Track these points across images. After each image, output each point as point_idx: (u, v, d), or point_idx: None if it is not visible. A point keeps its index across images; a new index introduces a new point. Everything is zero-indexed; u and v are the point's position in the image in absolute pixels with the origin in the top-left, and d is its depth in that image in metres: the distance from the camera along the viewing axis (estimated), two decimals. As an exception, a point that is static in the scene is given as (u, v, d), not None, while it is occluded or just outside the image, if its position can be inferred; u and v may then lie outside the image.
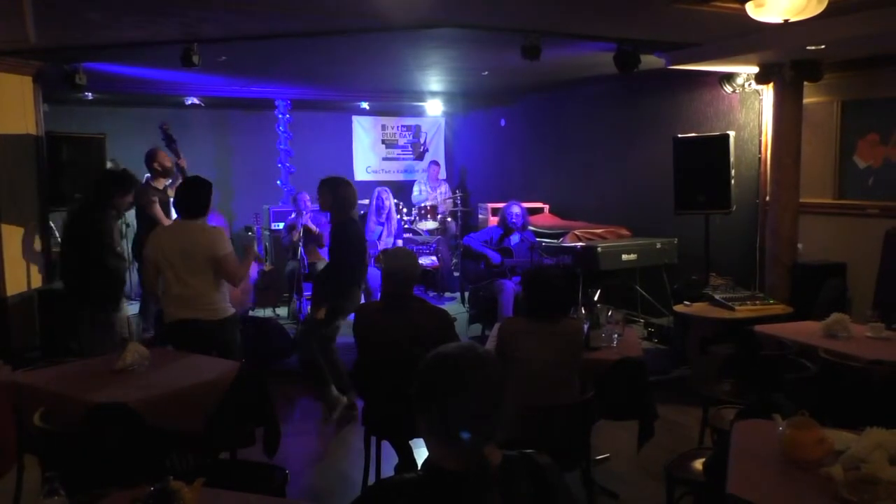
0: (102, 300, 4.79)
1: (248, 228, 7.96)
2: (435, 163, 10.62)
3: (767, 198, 6.14)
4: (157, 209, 6.23)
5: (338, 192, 4.90)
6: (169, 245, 4.10)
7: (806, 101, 5.87)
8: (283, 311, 7.85)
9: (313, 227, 7.36)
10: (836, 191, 5.97)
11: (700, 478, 2.93)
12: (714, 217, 6.23)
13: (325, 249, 6.89)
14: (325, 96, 9.84)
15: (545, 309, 3.47)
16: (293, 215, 7.85)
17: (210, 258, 4.07)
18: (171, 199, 6.52)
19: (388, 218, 7.58)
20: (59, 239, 5.85)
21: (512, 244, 6.75)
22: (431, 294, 8.48)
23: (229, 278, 4.18)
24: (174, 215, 6.53)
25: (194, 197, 4.18)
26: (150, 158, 6.44)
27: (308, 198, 7.82)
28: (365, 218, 7.52)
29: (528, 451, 1.65)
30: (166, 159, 6.39)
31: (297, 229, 7.41)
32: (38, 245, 6.05)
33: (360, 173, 11.12)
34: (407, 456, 3.77)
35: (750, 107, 6.58)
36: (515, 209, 6.78)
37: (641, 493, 3.96)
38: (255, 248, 4.76)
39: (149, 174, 6.55)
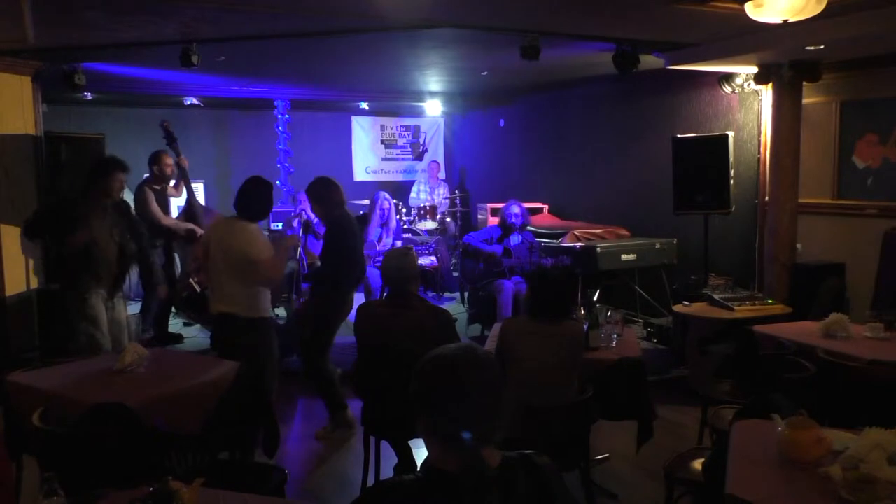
0: (86, 288, 4.70)
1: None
2: (434, 162, 10.63)
3: (766, 198, 6.14)
4: (155, 208, 6.23)
5: (323, 200, 4.81)
6: (214, 239, 4.17)
7: (805, 101, 5.87)
8: (282, 311, 7.84)
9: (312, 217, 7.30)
10: (834, 191, 5.98)
11: (699, 478, 2.94)
12: (713, 217, 6.24)
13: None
14: (324, 96, 9.84)
15: (547, 310, 3.47)
16: (292, 215, 7.85)
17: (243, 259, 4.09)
18: (170, 199, 6.56)
19: (388, 221, 7.57)
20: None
21: (512, 244, 6.74)
22: (431, 294, 8.47)
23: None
24: (174, 214, 6.57)
25: (252, 198, 4.20)
26: (153, 160, 6.44)
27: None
28: (364, 218, 7.51)
29: (527, 451, 1.66)
30: (168, 165, 6.38)
31: (296, 221, 7.38)
32: (36, 245, 6.04)
33: (360, 173, 11.12)
34: (406, 456, 3.77)
35: (749, 107, 6.58)
36: (515, 209, 6.77)
37: (640, 494, 3.96)
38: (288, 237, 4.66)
39: (148, 175, 6.55)
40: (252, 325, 4.12)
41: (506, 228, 6.75)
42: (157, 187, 6.38)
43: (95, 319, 4.60)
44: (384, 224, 7.46)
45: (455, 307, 7.92)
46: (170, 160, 6.38)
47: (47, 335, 5.78)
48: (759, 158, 6.45)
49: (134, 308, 6.72)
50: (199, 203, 6.47)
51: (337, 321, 4.84)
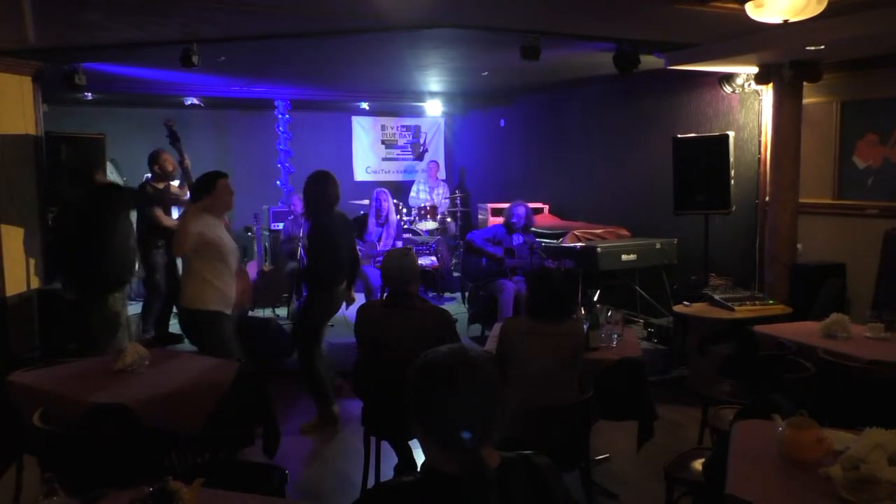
0: (112, 288, 4.74)
1: (248, 229, 7.97)
2: (434, 162, 10.62)
3: (767, 198, 6.14)
4: (157, 210, 6.23)
5: (310, 195, 4.82)
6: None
7: (805, 101, 5.87)
8: (282, 312, 7.85)
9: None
10: (835, 191, 5.97)
11: (699, 478, 2.94)
12: (713, 217, 6.24)
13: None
14: (324, 96, 9.84)
15: (548, 310, 3.47)
16: (291, 217, 7.85)
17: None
18: (172, 198, 6.55)
19: (388, 220, 7.56)
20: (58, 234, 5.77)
21: (515, 245, 6.73)
22: (431, 294, 8.47)
23: None
24: (175, 215, 6.56)
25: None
26: (153, 160, 6.40)
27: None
28: (364, 219, 7.51)
29: (527, 452, 1.65)
30: (168, 162, 6.33)
31: (296, 240, 7.39)
32: (37, 245, 6.05)
33: (360, 173, 11.12)
34: (406, 456, 3.77)
35: (749, 107, 6.58)
36: (520, 209, 6.74)
37: (641, 494, 3.96)
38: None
39: (149, 175, 6.54)
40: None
41: (509, 228, 6.74)
42: (160, 186, 6.37)
43: (122, 317, 4.68)
44: (383, 223, 7.45)
45: (455, 307, 7.91)
46: (169, 157, 6.34)
47: (47, 335, 5.78)
48: (759, 158, 6.45)
49: (134, 308, 6.74)
50: None
51: (318, 318, 4.92)
